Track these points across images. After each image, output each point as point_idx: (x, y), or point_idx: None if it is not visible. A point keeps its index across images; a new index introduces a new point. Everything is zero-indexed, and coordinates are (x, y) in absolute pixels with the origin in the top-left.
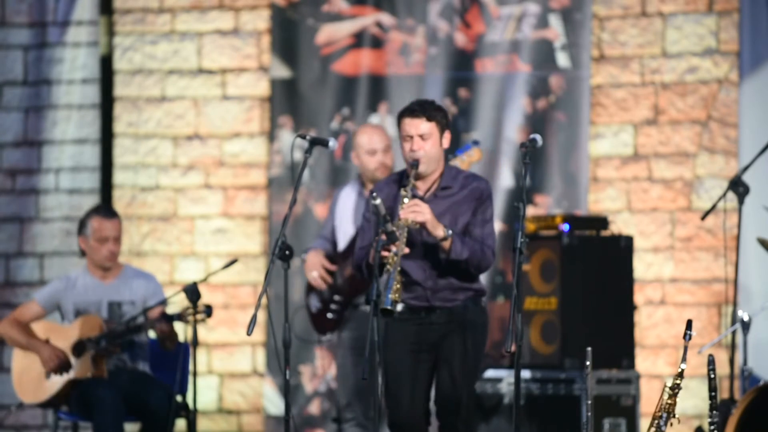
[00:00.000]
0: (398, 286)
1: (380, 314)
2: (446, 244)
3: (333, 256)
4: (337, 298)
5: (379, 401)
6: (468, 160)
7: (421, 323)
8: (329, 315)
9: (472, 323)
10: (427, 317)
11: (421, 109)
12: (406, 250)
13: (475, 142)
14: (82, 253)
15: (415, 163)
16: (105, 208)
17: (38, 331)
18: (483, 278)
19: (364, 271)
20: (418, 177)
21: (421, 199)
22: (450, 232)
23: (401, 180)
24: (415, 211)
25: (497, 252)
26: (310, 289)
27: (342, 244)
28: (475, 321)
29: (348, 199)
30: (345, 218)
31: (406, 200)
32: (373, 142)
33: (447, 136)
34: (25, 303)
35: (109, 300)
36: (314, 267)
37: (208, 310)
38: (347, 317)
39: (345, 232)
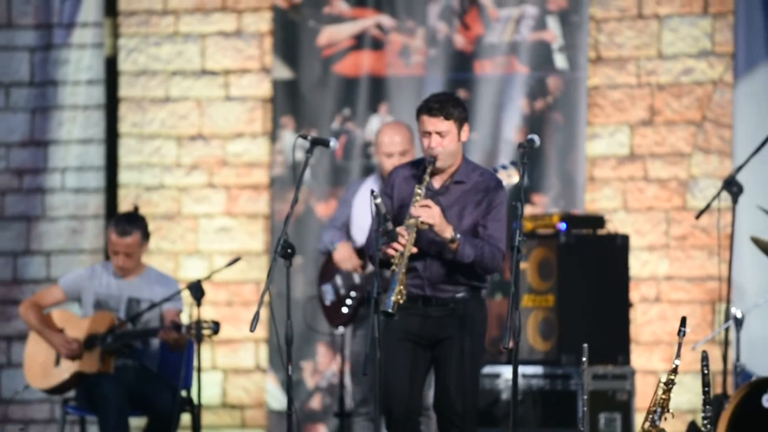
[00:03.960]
0: (401, 287)
1: (381, 315)
2: (453, 246)
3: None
4: (354, 294)
5: (381, 397)
6: (507, 181)
7: (418, 314)
8: (344, 309)
9: (471, 319)
10: (424, 308)
11: (440, 107)
12: (414, 250)
13: (513, 163)
14: None
15: (432, 160)
16: (124, 222)
17: (55, 320)
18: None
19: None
20: (435, 173)
21: (435, 193)
22: (458, 235)
23: (418, 169)
24: (425, 210)
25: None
26: (324, 280)
27: (360, 238)
28: (474, 316)
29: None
30: (366, 212)
31: (418, 197)
32: (393, 144)
33: (465, 129)
34: (48, 287)
35: (129, 296)
36: (348, 258)
37: (216, 327)
38: (362, 314)
39: (362, 227)
